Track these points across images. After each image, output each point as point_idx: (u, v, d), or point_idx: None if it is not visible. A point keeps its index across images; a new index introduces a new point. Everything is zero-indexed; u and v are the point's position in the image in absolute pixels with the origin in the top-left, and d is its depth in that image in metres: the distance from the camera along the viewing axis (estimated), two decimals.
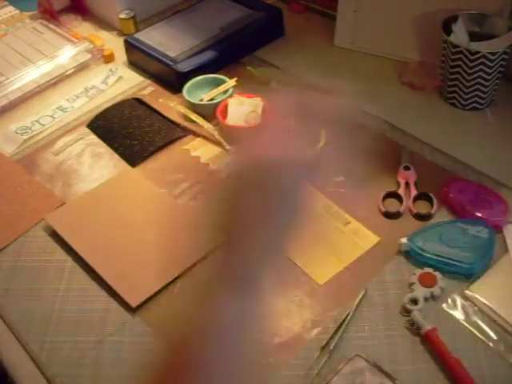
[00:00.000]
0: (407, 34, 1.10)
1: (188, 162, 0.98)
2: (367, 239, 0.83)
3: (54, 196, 0.94)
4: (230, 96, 1.05)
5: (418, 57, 1.12)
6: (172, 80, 1.12)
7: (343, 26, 1.17)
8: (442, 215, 0.85)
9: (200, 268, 0.81)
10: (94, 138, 1.04)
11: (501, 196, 0.85)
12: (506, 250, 0.79)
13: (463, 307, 0.74)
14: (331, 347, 0.71)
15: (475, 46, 0.98)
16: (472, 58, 0.94)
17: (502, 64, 0.96)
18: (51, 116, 1.10)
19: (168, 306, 0.77)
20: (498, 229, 0.81)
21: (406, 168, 0.91)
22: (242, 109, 1.01)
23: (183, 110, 1.04)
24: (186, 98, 1.05)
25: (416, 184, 0.89)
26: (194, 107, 1.05)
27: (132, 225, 0.87)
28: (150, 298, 0.78)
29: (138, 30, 1.24)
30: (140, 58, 1.18)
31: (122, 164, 0.99)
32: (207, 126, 1.01)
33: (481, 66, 0.95)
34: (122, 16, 1.27)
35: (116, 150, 1.01)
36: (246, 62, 1.17)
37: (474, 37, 1.00)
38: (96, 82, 1.17)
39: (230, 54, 1.16)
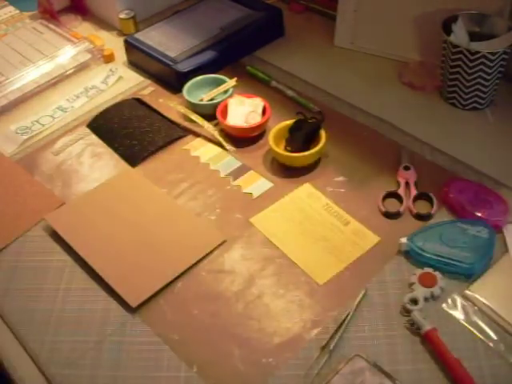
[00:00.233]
0: (407, 33, 1.10)
1: (188, 162, 0.98)
2: (367, 239, 0.83)
3: (54, 196, 0.94)
4: (230, 96, 1.05)
5: (418, 57, 1.12)
6: (172, 80, 1.12)
7: (343, 25, 1.17)
8: (442, 215, 0.85)
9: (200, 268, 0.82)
10: (94, 138, 1.04)
11: (501, 196, 0.85)
12: (506, 249, 0.79)
13: (463, 307, 0.74)
14: (331, 347, 0.71)
15: (475, 45, 0.98)
16: (472, 58, 0.94)
17: (502, 64, 0.96)
18: (51, 116, 1.10)
19: (168, 306, 0.78)
20: (497, 229, 0.81)
21: (406, 168, 0.91)
22: (242, 109, 1.01)
23: (183, 110, 1.04)
24: (186, 97, 1.05)
25: (416, 184, 0.89)
26: (194, 107, 1.05)
27: (132, 225, 0.87)
28: (150, 298, 0.78)
29: (138, 30, 1.24)
30: (140, 57, 1.18)
31: (122, 164, 0.99)
32: (207, 126, 1.01)
33: (481, 66, 0.95)
34: (122, 16, 1.27)
35: (116, 150, 1.01)
36: (245, 62, 1.17)
37: (473, 37, 1.00)
38: (96, 82, 1.17)
39: (230, 53, 1.16)
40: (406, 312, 0.74)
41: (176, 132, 1.03)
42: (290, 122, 0.97)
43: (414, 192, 0.88)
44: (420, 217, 0.85)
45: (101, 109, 1.09)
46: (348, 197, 0.89)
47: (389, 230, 0.83)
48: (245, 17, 1.21)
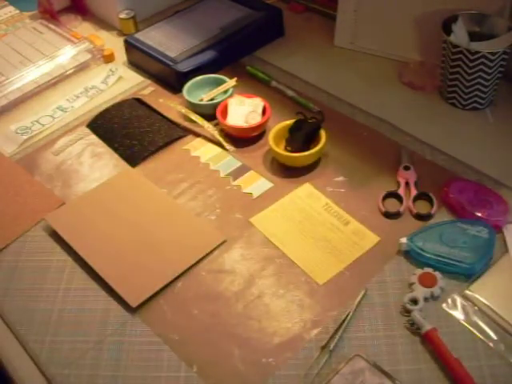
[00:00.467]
0: (407, 33, 1.10)
1: (188, 162, 0.98)
2: (367, 239, 0.83)
3: (54, 196, 0.94)
4: (230, 96, 1.05)
5: (418, 57, 1.12)
6: (172, 80, 1.12)
7: (343, 25, 1.17)
8: (442, 215, 0.85)
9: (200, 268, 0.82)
10: (93, 138, 1.04)
11: (501, 196, 0.85)
12: (506, 249, 0.79)
13: (463, 307, 0.74)
14: (331, 347, 0.71)
15: (475, 45, 0.98)
16: (472, 58, 0.94)
17: (501, 64, 0.96)
18: (51, 116, 1.10)
19: (168, 306, 0.78)
20: (497, 229, 0.81)
21: (406, 168, 0.91)
22: (242, 109, 1.01)
23: (183, 110, 1.04)
24: (186, 98, 1.05)
25: (416, 184, 0.89)
26: (194, 107, 1.05)
27: (132, 225, 0.87)
28: (150, 298, 0.78)
29: (138, 30, 1.24)
30: (140, 57, 1.18)
31: (122, 164, 0.99)
32: (207, 126, 1.01)
33: (481, 66, 0.95)
34: (122, 16, 1.27)
35: (116, 150, 1.01)
36: (245, 62, 1.17)
37: (473, 37, 1.00)
38: (96, 82, 1.17)
39: (229, 53, 1.16)
40: (406, 312, 0.74)
41: (176, 132, 1.03)
42: (290, 122, 0.97)
43: (414, 192, 0.88)
44: (420, 217, 0.85)
45: (101, 109, 1.09)
46: (348, 197, 0.89)
47: (389, 230, 0.83)
48: (245, 17, 1.21)
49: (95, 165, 0.99)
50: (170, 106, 1.06)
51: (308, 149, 0.93)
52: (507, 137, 0.97)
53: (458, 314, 0.73)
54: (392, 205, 0.87)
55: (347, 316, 0.74)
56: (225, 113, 1.02)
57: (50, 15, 1.33)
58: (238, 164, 0.96)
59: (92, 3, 1.37)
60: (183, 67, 1.10)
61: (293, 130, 0.96)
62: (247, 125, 0.99)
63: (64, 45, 1.24)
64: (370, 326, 0.73)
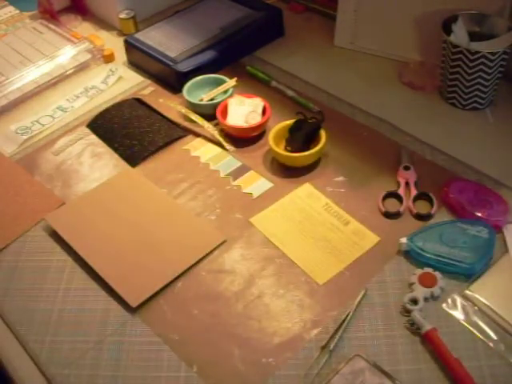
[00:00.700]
0: (407, 33, 1.10)
1: (188, 162, 0.98)
2: (367, 239, 0.83)
3: (54, 196, 0.94)
4: (230, 96, 1.05)
5: (418, 57, 1.12)
6: (172, 80, 1.12)
7: (343, 25, 1.17)
8: (442, 215, 0.85)
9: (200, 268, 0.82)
10: (93, 138, 1.04)
11: (501, 196, 0.85)
12: (506, 249, 0.79)
13: (463, 307, 0.74)
14: (331, 347, 0.71)
15: (475, 45, 0.98)
16: (472, 58, 0.94)
17: (501, 64, 0.96)
18: (51, 116, 1.10)
19: (168, 306, 0.78)
20: (497, 229, 0.81)
21: (406, 168, 0.91)
22: (242, 109, 1.01)
23: (183, 110, 1.04)
24: (186, 98, 1.05)
25: (416, 184, 0.89)
26: (194, 107, 1.05)
27: (132, 225, 0.87)
28: (150, 298, 0.78)
29: (138, 30, 1.24)
30: (140, 57, 1.18)
31: (122, 164, 0.99)
32: (207, 126, 1.01)
33: (481, 66, 0.95)
34: (122, 16, 1.27)
35: (116, 150, 1.01)
36: (245, 62, 1.17)
37: (473, 37, 1.00)
38: (96, 82, 1.17)
39: (229, 53, 1.16)
40: (406, 312, 0.74)
41: (176, 132, 1.03)
42: (290, 122, 0.97)
43: (414, 192, 0.88)
44: (420, 217, 0.85)
45: (101, 109, 1.09)
46: (348, 197, 0.89)
47: (389, 230, 0.83)
48: (245, 17, 1.21)
49: (95, 165, 0.99)
50: (170, 106, 1.06)
51: (308, 149, 0.93)
52: (507, 137, 0.97)
53: (458, 314, 0.73)
54: (392, 205, 0.87)
55: (347, 316, 0.74)
56: (225, 113, 1.02)
57: (50, 15, 1.33)
58: (238, 164, 0.96)
59: (92, 3, 1.37)
60: (183, 67, 1.10)
61: (293, 130, 0.96)
62: (247, 125, 0.99)
63: (64, 45, 1.24)
64: (370, 326, 0.73)
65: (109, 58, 1.22)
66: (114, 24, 1.31)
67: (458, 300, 0.74)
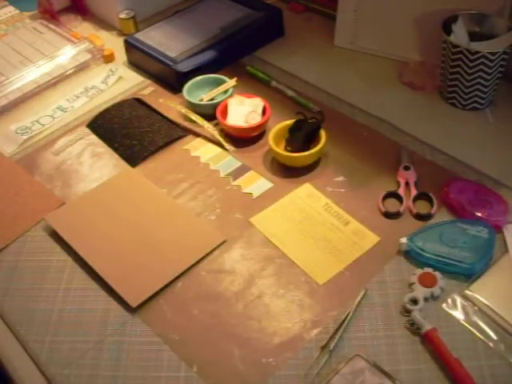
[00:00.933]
0: (407, 33, 1.10)
1: (188, 162, 0.98)
2: (367, 239, 0.83)
3: (54, 196, 0.94)
4: (230, 96, 1.05)
5: (418, 57, 1.12)
6: (172, 80, 1.12)
7: (343, 25, 1.17)
8: (442, 215, 0.85)
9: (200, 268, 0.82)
10: (93, 138, 1.04)
11: (501, 196, 0.85)
12: (506, 249, 0.79)
13: (463, 307, 0.74)
14: (331, 347, 0.71)
15: (475, 45, 0.98)
16: (472, 58, 0.94)
17: (501, 64, 0.96)
18: (51, 116, 1.10)
19: (168, 306, 0.78)
20: (497, 229, 0.81)
21: (406, 168, 0.91)
22: (242, 109, 1.01)
23: (183, 110, 1.04)
24: (186, 98, 1.05)
25: (416, 184, 0.89)
26: (194, 107, 1.05)
27: (132, 225, 0.87)
28: (150, 298, 0.78)
29: (138, 30, 1.24)
30: (140, 57, 1.18)
31: (122, 164, 0.99)
32: (207, 126, 1.01)
33: (481, 66, 0.95)
34: (122, 16, 1.27)
35: (116, 150, 1.01)
36: (245, 62, 1.17)
37: (473, 37, 1.00)
38: (96, 82, 1.17)
39: (230, 53, 1.16)
40: (406, 312, 0.74)
41: (176, 132, 1.03)
42: (290, 122, 0.97)
43: (414, 192, 0.88)
44: (420, 217, 0.85)
45: (101, 109, 1.09)
46: (348, 197, 0.89)
47: (389, 230, 0.83)
48: (245, 17, 1.21)
49: (95, 165, 0.99)
50: (170, 106, 1.06)
51: (308, 149, 0.93)
52: (507, 137, 0.97)
53: (458, 314, 0.73)
54: (392, 205, 0.87)
55: (347, 316, 0.74)
56: (225, 113, 1.02)
57: (50, 15, 1.33)
58: (238, 164, 0.96)
59: (92, 3, 1.37)
60: (183, 67, 1.10)
61: (293, 130, 0.96)
62: (247, 125, 0.99)
63: (64, 45, 1.24)
64: (370, 325, 0.73)
65: (109, 58, 1.22)
66: (114, 24, 1.31)
67: (458, 300, 0.74)
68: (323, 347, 0.71)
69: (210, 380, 0.70)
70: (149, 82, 1.16)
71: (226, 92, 1.06)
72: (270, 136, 0.95)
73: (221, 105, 1.02)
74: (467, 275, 0.76)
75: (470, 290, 0.75)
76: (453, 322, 0.72)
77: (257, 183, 0.93)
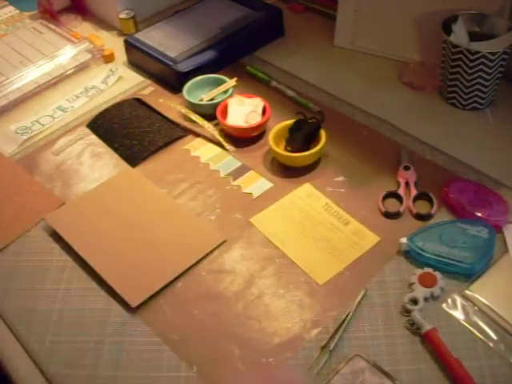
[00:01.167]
0: (407, 33, 1.10)
1: (188, 162, 0.98)
2: (367, 239, 0.83)
3: (54, 196, 0.94)
4: (230, 96, 1.05)
5: (418, 57, 1.12)
6: (172, 80, 1.12)
7: (343, 25, 1.17)
8: (442, 215, 0.85)
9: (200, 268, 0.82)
10: (93, 138, 1.04)
11: (501, 196, 0.85)
12: (506, 249, 0.79)
13: (463, 307, 0.74)
14: (331, 347, 0.71)
15: (475, 45, 0.98)
16: (472, 58, 0.94)
17: (501, 64, 0.96)
18: (51, 116, 1.10)
19: (168, 306, 0.78)
20: (497, 229, 0.81)
21: (406, 168, 0.91)
22: (242, 109, 1.01)
23: (183, 110, 1.04)
24: (186, 98, 1.05)
25: (416, 184, 0.89)
26: (194, 107, 1.05)
27: (132, 225, 0.87)
28: (150, 298, 0.78)
29: (138, 30, 1.24)
30: (140, 57, 1.18)
31: (122, 164, 0.99)
32: (207, 126, 1.01)
33: (481, 66, 0.95)
34: (122, 16, 1.27)
35: (116, 150, 1.01)
36: (245, 62, 1.17)
37: (474, 37, 1.00)
38: (96, 82, 1.17)
39: (229, 53, 1.16)
40: (406, 312, 0.74)
41: (176, 132, 1.03)
42: (290, 122, 0.97)
43: (414, 192, 0.88)
44: (420, 217, 0.85)
45: (101, 109, 1.09)
46: (348, 197, 0.89)
47: (389, 230, 0.83)
48: (245, 17, 1.21)
49: (95, 165, 0.99)
50: (170, 106, 1.06)
51: (308, 149, 0.93)
52: (507, 137, 0.97)
53: (458, 314, 0.73)
54: (392, 205, 0.87)
55: (347, 316, 0.74)
56: (225, 113, 1.02)
57: (50, 15, 1.33)
58: (238, 164, 0.96)
59: (92, 3, 1.37)
60: (183, 67, 1.10)
61: (293, 130, 0.96)
62: (247, 125, 0.99)
63: (64, 45, 1.24)
64: (370, 326, 0.73)
65: (109, 58, 1.22)
66: (114, 24, 1.31)
67: (458, 300, 0.74)
68: (323, 347, 0.71)
69: (210, 380, 0.70)
70: (149, 82, 1.16)
71: (225, 92, 1.06)
72: (270, 136, 0.95)
73: (221, 105, 1.02)
74: (467, 275, 0.76)
75: (470, 290, 0.75)
76: (453, 322, 0.72)
77: (257, 183, 0.93)
